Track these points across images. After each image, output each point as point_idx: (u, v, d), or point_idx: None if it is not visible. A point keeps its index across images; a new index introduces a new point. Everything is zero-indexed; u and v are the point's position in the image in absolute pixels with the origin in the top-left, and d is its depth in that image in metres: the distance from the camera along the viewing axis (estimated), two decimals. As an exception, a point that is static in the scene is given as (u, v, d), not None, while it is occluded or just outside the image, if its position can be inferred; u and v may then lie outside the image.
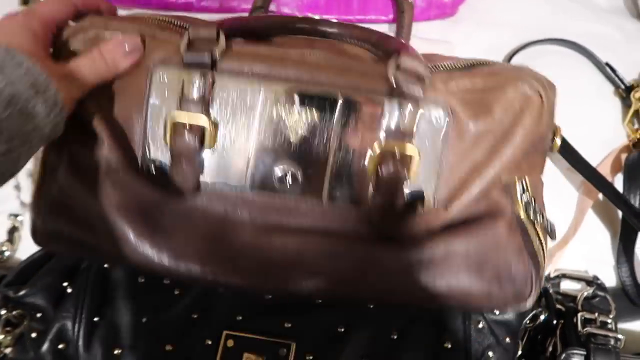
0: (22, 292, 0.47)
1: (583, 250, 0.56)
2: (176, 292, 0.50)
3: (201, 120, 0.38)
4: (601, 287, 0.53)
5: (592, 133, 0.58)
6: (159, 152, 0.39)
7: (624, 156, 0.57)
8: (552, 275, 0.55)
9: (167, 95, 0.38)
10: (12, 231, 0.55)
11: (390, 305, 0.43)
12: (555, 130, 0.43)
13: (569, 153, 0.53)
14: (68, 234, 0.41)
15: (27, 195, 0.53)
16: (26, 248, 0.55)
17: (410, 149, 0.38)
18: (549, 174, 0.45)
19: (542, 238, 0.42)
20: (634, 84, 0.59)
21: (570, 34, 0.61)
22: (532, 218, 0.42)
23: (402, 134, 0.38)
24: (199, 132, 0.38)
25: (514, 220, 0.41)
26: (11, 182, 0.53)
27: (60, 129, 0.37)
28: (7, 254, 0.55)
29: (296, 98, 0.39)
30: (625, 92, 0.59)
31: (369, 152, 0.39)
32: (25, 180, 0.53)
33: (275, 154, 0.39)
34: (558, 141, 0.44)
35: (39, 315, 0.47)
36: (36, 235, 0.43)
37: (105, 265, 0.50)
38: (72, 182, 0.40)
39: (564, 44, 0.61)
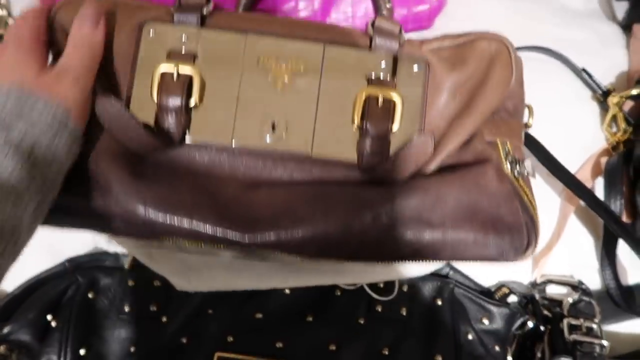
0: (6, 330, 0.47)
1: (568, 255, 0.57)
2: (163, 320, 0.50)
3: (188, 70, 0.38)
4: (586, 292, 0.54)
5: (571, 138, 0.59)
6: (144, 106, 0.39)
7: (603, 160, 0.57)
8: (538, 281, 0.56)
9: (156, 49, 0.39)
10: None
11: (382, 260, 0.40)
12: (529, 108, 0.46)
13: (547, 159, 0.53)
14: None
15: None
16: (10, 280, 0.54)
17: (393, 95, 0.39)
18: (533, 180, 0.45)
19: (530, 196, 0.43)
20: (611, 89, 0.59)
21: (547, 39, 0.62)
22: (517, 176, 0.42)
23: (384, 83, 0.39)
24: (186, 82, 0.38)
25: (502, 169, 0.42)
26: None
27: (77, 149, 0.36)
28: (-11, 287, 0.54)
29: (281, 50, 0.40)
30: (602, 96, 0.60)
31: (354, 100, 0.39)
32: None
33: (261, 105, 0.39)
34: (531, 121, 0.46)
35: (25, 350, 0.47)
36: None
37: (90, 295, 0.50)
38: None
39: (541, 51, 0.62)
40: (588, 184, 0.56)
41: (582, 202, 0.56)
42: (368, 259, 0.40)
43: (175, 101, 0.38)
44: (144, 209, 0.36)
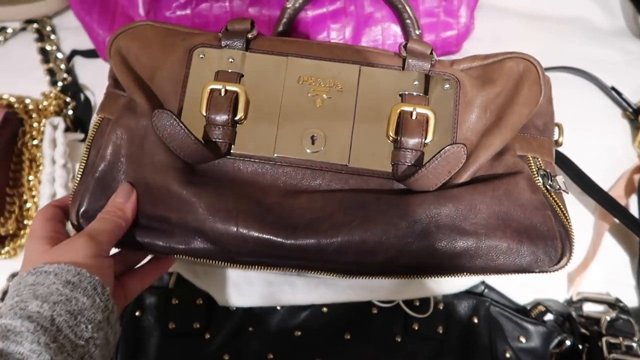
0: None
1: (603, 273, 0.57)
2: (206, 337, 0.52)
3: (235, 87, 0.41)
4: (624, 309, 0.54)
5: (603, 156, 0.60)
6: (194, 120, 0.41)
7: (637, 177, 0.57)
8: (574, 299, 0.56)
9: (205, 70, 0.42)
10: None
11: (418, 269, 0.41)
12: (559, 127, 0.47)
13: (580, 178, 0.54)
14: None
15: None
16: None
17: (426, 110, 0.41)
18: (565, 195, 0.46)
19: (563, 209, 0.43)
20: (641, 106, 0.60)
21: (574, 59, 0.63)
22: (550, 189, 0.43)
23: (418, 99, 0.42)
24: (233, 98, 0.41)
25: (534, 181, 0.42)
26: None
27: (109, 299, 0.36)
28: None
29: (320, 70, 0.43)
30: (633, 114, 0.60)
31: (388, 115, 0.41)
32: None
33: (301, 120, 0.42)
34: (561, 139, 0.47)
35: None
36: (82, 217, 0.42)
37: (137, 313, 0.52)
38: (115, 156, 0.41)
39: (569, 71, 0.63)
40: (622, 202, 0.56)
41: (616, 220, 0.56)
42: (404, 267, 0.40)
43: (222, 116, 0.41)
44: (194, 215, 0.39)
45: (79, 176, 0.42)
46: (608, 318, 0.53)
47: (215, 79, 0.42)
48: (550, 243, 0.40)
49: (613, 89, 0.61)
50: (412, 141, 0.40)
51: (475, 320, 0.53)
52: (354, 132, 0.41)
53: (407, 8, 0.55)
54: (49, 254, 0.36)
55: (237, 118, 0.41)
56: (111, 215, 0.39)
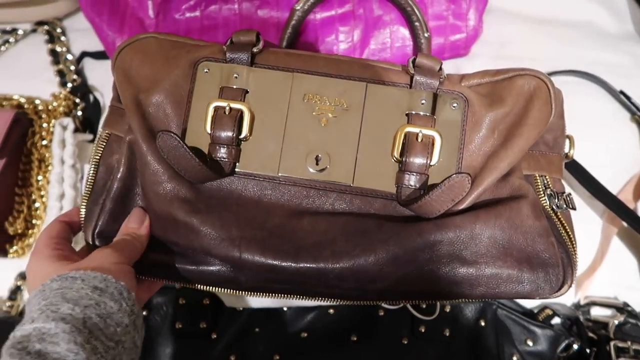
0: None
1: (611, 277, 0.56)
2: (213, 337, 0.52)
3: (239, 105, 0.41)
4: (632, 314, 0.54)
5: (612, 160, 0.59)
6: (199, 138, 0.41)
7: (645, 181, 0.57)
8: (582, 303, 0.56)
9: (210, 85, 0.42)
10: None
11: (417, 295, 0.41)
12: (569, 139, 0.46)
13: (588, 181, 0.54)
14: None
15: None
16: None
17: (432, 132, 0.40)
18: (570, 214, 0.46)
19: (568, 230, 0.43)
20: (650, 110, 0.60)
21: (582, 63, 0.63)
22: (556, 210, 0.43)
23: (424, 119, 0.41)
24: (238, 116, 0.40)
25: (539, 205, 0.42)
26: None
27: (135, 304, 0.37)
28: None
29: (326, 88, 0.42)
30: (641, 118, 0.60)
31: (394, 135, 0.41)
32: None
33: (306, 139, 0.41)
34: (572, 152, 0.46)
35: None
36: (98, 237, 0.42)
37: (144, 313, 0.52)
38: (131, 179, 0.42)
39: (578, 75, 0.63)
40: (630, 205, 0.56)
41: (624, 224, 0.56)
42: (403, 294, 0.41)
43: (227, 134, 0.40)
44: (201, 243, 0.39)
45: (88, 193, 0.43)
46: (616, 322, 0.53)
47: (220, 96, 0.41)
48: (552, 271, 0.40)
49: (621, 92, 0.61)
50: (417, 163, 0.40)
51: (482, 323, 0.53)
52: (358, 152, 0.41)
53: (416, 11, 0.55)
54: (67, 267, 0.36)
55: (242, 136, 0.41)
56: (127, 237, 0.40)
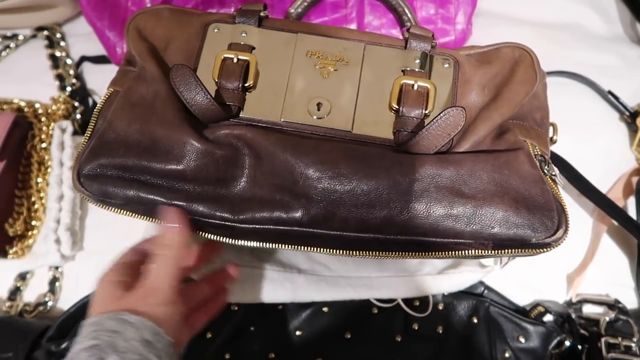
0: (63, 346, 0.50)
1: (602, 274, 0.57)
2: (208, 335, 0.52)
3: (246, 56, 0.43)
4: (623, 310, 0.54)
5: (601, 159, 0.60)
6: (206, 86, 0.41)
7: (634, 179, 0.58)
8: (573, 301, 0.56)
9: (219, 42, 0.45)
10: (53, 282, 0.58)
11: (414, 234, 0.40)
12: (553, 126, 0.48)
13: (578, 180, 0.55)
14: (121, 164, 0.41)
15: (67, 248, 0.57)
16: (66, 298, 0.58)
17: (427, 83, 0.43)
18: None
19: (558, 193, 0.43)
20: (639, 109, 0.61)
21: (571, 64, 0.64)
22: (547, 174, 0.43)
23: (419, 74, 0.44)
24: (244, 66, 0.43)
25: (533, 158, 0.43)
26: (52, 237, 0.56)
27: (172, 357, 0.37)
28: (50, 304, 0.58)
29: (327, 46, 0.45)
30: (630, 117, 0.61)
31: (391, 87, 0.43)
32: (64, 234, 0.57)
33: (308, 89, 0.44)
34: (556, 137, 0.48)
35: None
36: (83, 178, 0.41)
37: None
38: (127, 115, 0.42)
39: (566, 75, 0.64)
40: (620, 204, 0.57)
41: (614, 222, 0.57)
42: (401, 228, 0.40)
43: (233, 82, 0.43)
44: (216, 160, 0.40)
45: (85, 142, 0.43)
46: (607, 319, 0.53)
47: (228, 49, 0.44)
48: (547, 214, 0.40)
49: (610, 93, 0.62)
50: (413, 111, 0.42)
51: (475, 321, 0.53)
52: (358, 102, 0.43)
53: (407, 11, 0.57)
54: (124, 300, 0.37)
55: (247, 85, 0.43)
56: (166, 250, 0.39)
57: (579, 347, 0.52)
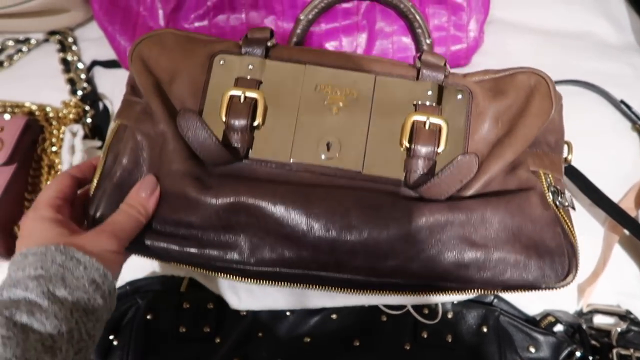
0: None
1: (614, 285, 0.56)
2: (217, 340, 0.52)
3: (253, 94, 0.42)
4: (634, 321, 0.53)
5: (613, 168, 0.60)
6: (213, 125, 0.42)
7: (647, 189, 0.58)
8: (584, 311, 0.56)
9: (225, 76, 0.43)
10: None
11: (425, 279, 0.41)
12: (568, 145, 0.48)
13: (590, 189, 0.54)
14: None
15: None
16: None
17: (439, 120, 0.42)
18: (573, 211, 0.46)
19: (570, 226, 0.44)
20: (651, 119, 0.60)
21: (583, 73, 0.64)
22: (559, 206, 0.44)
23: (431, 109, 0.42)
24: (252, 104, 0.42)
25: (545, 197, 0.43)
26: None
27: (114, 300, 0.38)
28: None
29: (337, 79, 0.44)
30: (642, 127, 0.61)
31: (402, 124, 0.42)
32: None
33: (317, 127, 0.42)
34: (570, 157, 0.48)
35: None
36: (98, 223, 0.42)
37: (148, 317, 0.53)
38: (133, 160, 0.43)
39: (579, 84, 0.63)
40: (632, 213, 0.56)
41: (626, 231, 0.56)
42: (412, 275, 0.41)
43: (241, 121, 0.42)
44: (217, 214, 0.40)
45: (96, 181, 0.43)
46: (618, 330, 0.53)
47: (235, 85, 0.43)
48: (558, 259, 0.41)
49: (622, 102, 0.62)
50: (424, 150, 0.41)
51: (485, 330, 0.53)
52: (368, 140, 0.42)
53: (418, 18, 0.57)
54: (69, 239, 0.37)
55: (255, 124, 0.42)
56: (133, 210, 0.40)
57: (590, 358, 0.52)
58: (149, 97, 0.43)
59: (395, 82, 0.44)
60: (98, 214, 0.42)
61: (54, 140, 0.62)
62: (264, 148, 0.42)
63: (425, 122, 0.42)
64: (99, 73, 0.67)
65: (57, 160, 0.61)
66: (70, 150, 0.60)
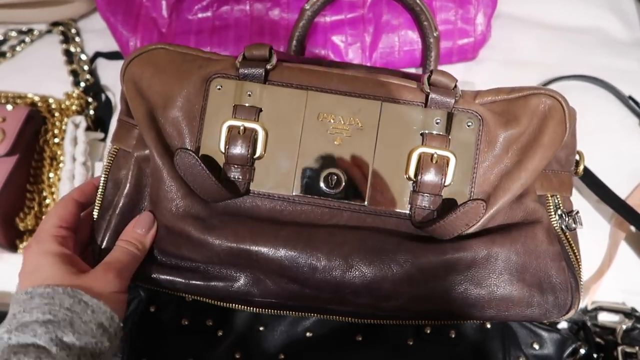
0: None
1: (619, 282, 0.56)
2: (219, 334, 0.52)
3: (253, 125, 0.41)
4: (639, 319, 0.53)
5: (620, 165, 0.59)
6: (213, 156, 0.41)
7: (654, 186, 0.57)
8: (589, 308, 0.55)
9: (223, 103, 0.41)
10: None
11: (428, 315, 0.42)
12: (579, 154, 0.46)
13: (597, 186, 0.54)
14: None
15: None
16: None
17: (447, 153, 0.40)
18: (580, 208, 0.46)
19: (576, 251, 0.43)
20: (659, 115, 0.60)
21: (592, 68, 0.63)
22: (565, 230, 0.43)
23: (439, 139, 0.41)
24: (252, 135, 0.40)
25: (552, 229, 0.43)
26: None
27: (119, 341, 0.38)
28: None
29: (340, 106, 0.41)
30: (650, 123, 0.60)
31: (408, 156, 0.41)
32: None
33: (320, 158, 0.41)
34: (581, 168, 0.46)
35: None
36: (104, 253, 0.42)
37: (151, 309, 0.52)
38: (136, 195, 0.43)
39: (587, 80, 0.63)
40: (639, 210, 0.56)
41: (632, 228, 0.56)
42: (415, 313, 0.42)
43: (242, 154, 0.40)
44: (219, 256, 0.40)
45: (98, 208, 0.43)
46: (624, 327, 0.52)
47: (234, 115, 0.41)
48: (561, 296, 0.41)
49: (630, 98, 0.61)
50: (431, 184, 0.40)
51: (488, 326, 0.52)
52: (372, 171, 0.41)
53: (425, 10, 0.56)
54: (78, 281, 0.37)
55: (256, 156, 0.41)
56: (131, 246, 0.40)
57: (595, 355, 0.51)
58: (142, 128, 0.41)
59: (401, 110, 0.41)
60: (104, 245, 0.42)
61: (56, 131, 0.61)
62: (266, 181, 0.41)
63: (432, 155, 0.40)
64: (101, 65, 0.67)
65: (59, 152, 0.61)
66: (73, 142, 0.60)
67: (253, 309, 0.43)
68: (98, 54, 0.66)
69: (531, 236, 0.41)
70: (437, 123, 0.41)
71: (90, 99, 0.64)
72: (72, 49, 0.66)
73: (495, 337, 0.52)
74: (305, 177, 0.41)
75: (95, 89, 0.64)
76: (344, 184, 0.41)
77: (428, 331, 0.52)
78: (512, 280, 0.40)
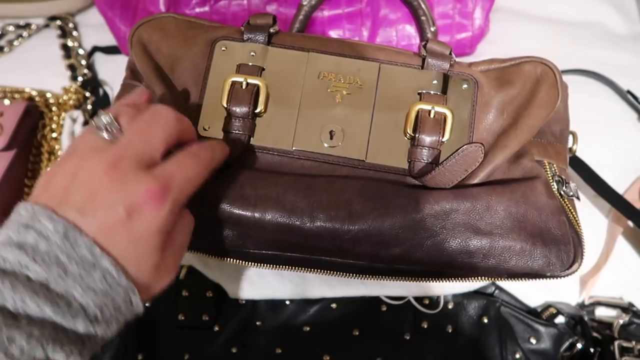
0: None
1: (616, 277, 0.56)
2: (215, 329, 0.52)
3: (256, 81, 0.41)
4: (637, 314, 0.53)
5: (618, 160, 0.59)
6: (215, 112, 0.42)
7: (652, 181, 0.57)
8: (586, 303, 0.55)
9: (227, 63, 0.43)
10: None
11: (430, 268, 0.41)
12: (573, 135, 0.47)
13: (594, 180, 0.54)
14: None
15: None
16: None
17: (444, 109, 0.41)
18: (577, 202, 0.46)
19: (575, 215, 0.43)
20: (658, 110, 0.59)
21: (591, 63, 0.63)
22: (563, 195, 0.44)
23: (436, 98, 0.42)
24: (254, 91, 0.41)
25: (550, 186, 0.43)
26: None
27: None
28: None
29: (340, 66, 0.43)
30: (648, 118, 0.60)
31: (407, 113, 0.42)
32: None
33: (320, 115, 0.42)
34: (575, 147, 0.48)
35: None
36: None
37: (147, 304, 0.52)
38: None
39: (585, 74, 0.63)
40: (637, 205, 0.56)
41: (630, 223, 0.56)
42: (416, 263, 0.41)
43: (243, 108, 0.41)
44: (224, 208, 0.39)
45: None
46: (621, 322, 0.52)
47: (237, 72, 0.42)
48: (563, 248, 0.40)
49: (629, 92, 0.61)
50: (429, 139, 0.41)
51: (485, 321, 0.52)
52: (372, 129, 0.42)
53: (422, 5, 0.56)
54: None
55: (257, 111, 0.42)
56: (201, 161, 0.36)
57: (591, 350, 0.51)
58: (151, 82, 0.43)
59: (399, 71, 0.43)
60: None
61: (54, 126, 0.61)
62: (266, 136, 0.42)
63: (430, 111, 0.41)
64: (99, 59, 0.67)
65: (57, 147, 0.61)
66: (71, 137, 0.60)
67: (247, 263, 0.42)
68: (96, 49, 0.66)
69: (531, 188, 0.41)
70: (433, 84, 0.43)
71: (87, 94, 0.64)
72: (70, 44, 0.66)
73: (492, 332, 0.52)
74: (305, 133, 0.42)
75: (92, 83, 0.64)
76: (343, 139, 0.42)
77: (425, 326, 0.52)
78: (513, 229, 0.40)
